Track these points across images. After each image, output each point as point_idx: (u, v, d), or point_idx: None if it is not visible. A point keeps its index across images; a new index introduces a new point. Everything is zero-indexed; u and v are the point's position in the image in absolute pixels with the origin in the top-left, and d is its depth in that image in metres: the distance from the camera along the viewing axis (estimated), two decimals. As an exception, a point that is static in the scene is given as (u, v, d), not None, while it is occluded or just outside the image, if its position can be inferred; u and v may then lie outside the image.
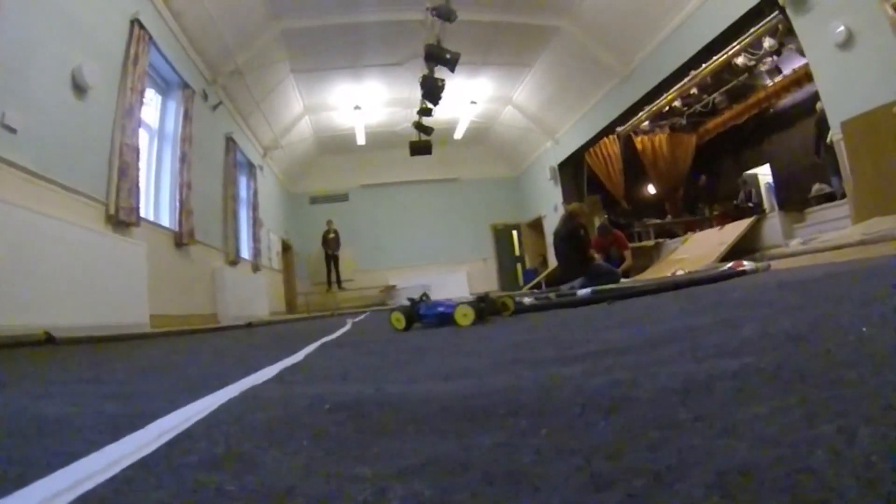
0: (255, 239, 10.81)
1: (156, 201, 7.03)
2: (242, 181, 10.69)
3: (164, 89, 7.45)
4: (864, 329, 0.84)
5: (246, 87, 9.44)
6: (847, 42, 5.76)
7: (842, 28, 5.75)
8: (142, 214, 5.96)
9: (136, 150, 5.74)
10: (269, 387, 1.11)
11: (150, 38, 6.12)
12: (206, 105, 8.41)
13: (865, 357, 0.66)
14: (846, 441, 0.44)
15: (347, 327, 3.91)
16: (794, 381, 0.62)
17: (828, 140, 6.76)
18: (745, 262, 4.28)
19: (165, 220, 6.99)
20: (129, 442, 0.68)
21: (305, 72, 10.89)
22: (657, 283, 3.93)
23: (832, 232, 6.15)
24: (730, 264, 4.62)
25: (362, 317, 6.47)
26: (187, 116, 7.34)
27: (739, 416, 0.54)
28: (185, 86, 7.48)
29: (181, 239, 6.98)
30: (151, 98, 7.07)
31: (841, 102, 6.03)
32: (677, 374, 0.76)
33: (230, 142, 9.44)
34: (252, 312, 9.25)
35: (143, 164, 6.23)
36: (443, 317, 2.70)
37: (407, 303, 2.88)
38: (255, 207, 10.99)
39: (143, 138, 6.57)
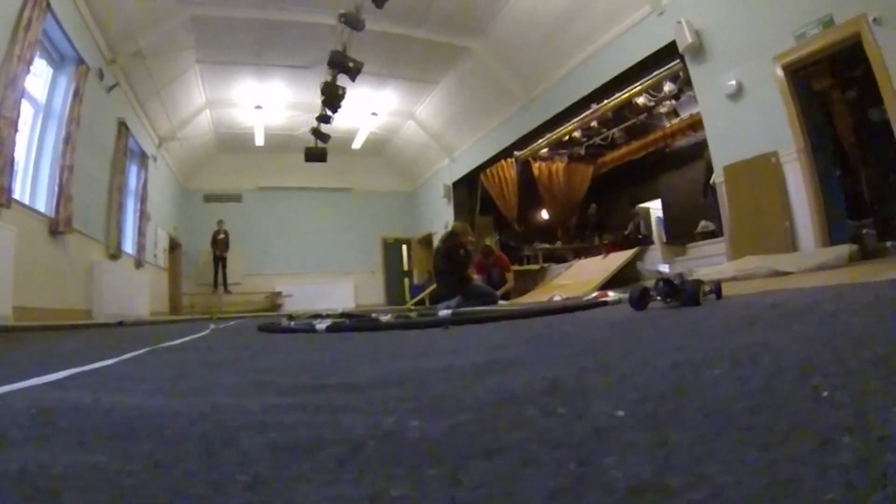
0: (141, 233, 10.06)
1: (33, 183, 6.35)
2: (133, 170, 9.94)
3: (58, 63, 6.80)
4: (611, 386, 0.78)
5: (147, 72, 8.86)
6: (737, 94, 6.28)
7: (733, 81, 6.25)
8: (14, 196, 5.40)
9: (14, 125, 5.20)
10: (31, 390, 1.10)
11: (48, 4, 5.60)
12: (101, 85, 7.77)
13: (563, 437, 0.55)
14: None
15: (204, 332, 3.78)
16: (412, 462, 0.50)
17: (711, 181, 7.27)
18: (609, 293, 4.09)
19: (41, 205, 6.33)
20: None
21: (211, 63, 10.42)
22: (508, 311, 3.76)
23: (708, 267, 6.45)
24: (594, 294, 4.51)
25: (232, 323, 6.18)
26: (77, 95, 6.73)
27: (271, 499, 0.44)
28: (81, 61, 6.87)
29: (57, 226, 6.37)
30: (42, 70, 6.44)
31: (725, 148, 6.52)
32: (317, 426, 0.67)
33: (123, 127, 8.76)
34: (131, 311, 8.59)
35: (22, 142, 5.66)
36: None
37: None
38: (143, 200, 10.23)
39: (28, 114, 5.98)
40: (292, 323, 3.71)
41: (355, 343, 2.33)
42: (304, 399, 0.89)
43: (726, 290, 2.83)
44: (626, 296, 3.55)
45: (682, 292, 2.43)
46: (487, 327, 2.65)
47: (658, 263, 7.70)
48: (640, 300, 2.57)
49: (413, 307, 9.66)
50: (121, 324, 6.34)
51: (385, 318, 3.60)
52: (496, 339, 1.94)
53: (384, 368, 1.27)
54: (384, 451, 0.55)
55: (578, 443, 0.53)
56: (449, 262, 6.39)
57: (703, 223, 9.66)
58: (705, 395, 0.67)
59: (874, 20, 4.80)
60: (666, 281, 2.50)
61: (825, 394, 0.59)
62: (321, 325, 3.15)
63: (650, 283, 2.73)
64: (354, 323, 3.35)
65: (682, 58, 7.14)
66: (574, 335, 1.81)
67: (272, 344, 2.55)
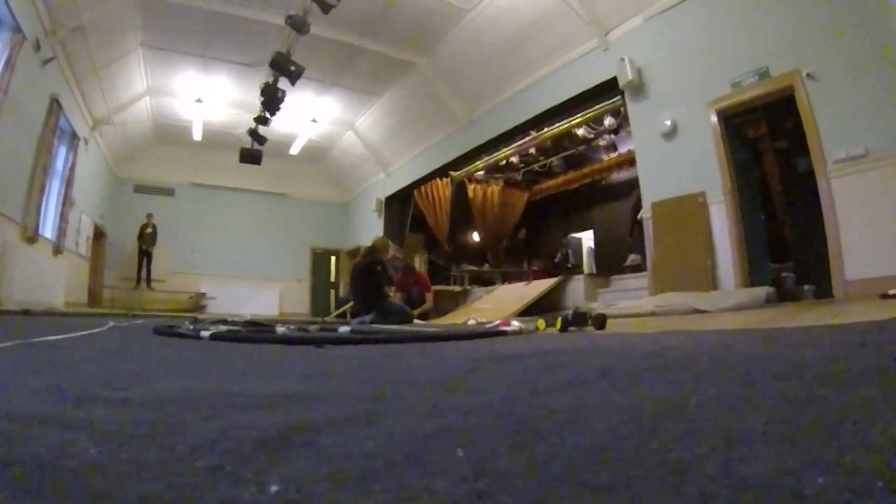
0: (63, 218, 9.43)
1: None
2: (61, 151, 9.34)
3: (-7, 27, 6.39)
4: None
5: (87, 49, 8.41)
6: (671, 133, 6.47)
7: (669, 121, 6.45)
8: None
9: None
10: None
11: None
12: (37, 57, 7.30)
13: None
14: None
15: (100, 329, 3.60)
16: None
17: (638, 217, 7.38)
18: (513, 322, 3.85)
19: (-45, 177, 5.89)
20: None
21: (155, 49, 10.01)
22: (401, 333, 3.50)
23: (630, 300, 6.43)
24: (497, 322, 4.22)
25: (139, 321, 5.78)
26: (9, 64, 6.33)
27: None
28: (18, 29, 6.47)
29: (-30, 202, 5.93)
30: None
31: (655, 185, 6.66)
32: (29, 442, 0.65)
33: (55, 104, 8.24)
34: (45, 299, 8.05)
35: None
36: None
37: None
38: (69, 183, 9.62)
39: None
40: (191, 328, 3.57)
41: (218, 354, 2.19)
42: (72, 412, 0.85)
43: (642, 325, 3.22)
44: (529, 326, 3.56)
45: (590, 319, 3.39)
46: (359, 350, 2.43)
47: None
48: (563, 326, 3.33)
49: (333, 319, 9.49)
50: (26, 312, 5.95)
51: (281, 329, 3.47)
52: (340, 365, 1.79)
53: (189, 386, 1.18)
54: (29, 479, 0.51)
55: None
56: (366, 278, 6.34)
57: (632, 256, 9.93)
58: (386, 488, 0.50)
59: (807, 75, 5.12)
60: (581, 314, 3.42)
61: None
62: (205, 332, 3.05)
63: (570, 312, 3.47)
64: (243, 333, 3.23)
65: (622, 94, 7.35)
66: (417, 370, 1.61)
67: (144, 348, 2.42)
